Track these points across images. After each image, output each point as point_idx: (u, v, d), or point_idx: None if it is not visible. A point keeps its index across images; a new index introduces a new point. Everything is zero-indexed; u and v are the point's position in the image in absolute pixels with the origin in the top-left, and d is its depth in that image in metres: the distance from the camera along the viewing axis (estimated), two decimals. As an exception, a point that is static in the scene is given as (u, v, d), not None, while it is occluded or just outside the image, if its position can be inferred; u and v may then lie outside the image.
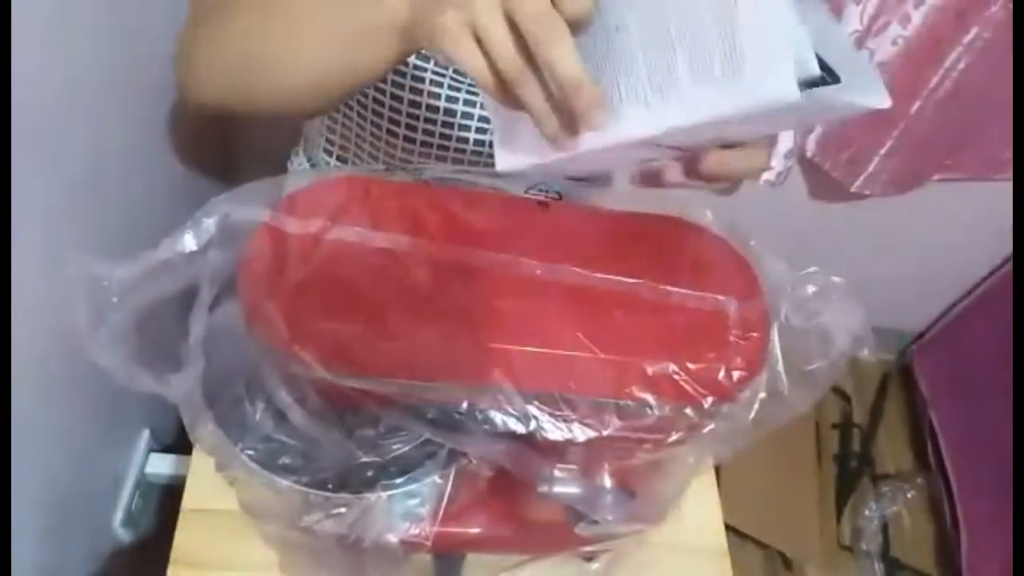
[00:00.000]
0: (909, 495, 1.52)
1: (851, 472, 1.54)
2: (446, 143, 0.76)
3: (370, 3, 0.48)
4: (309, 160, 0.87)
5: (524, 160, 0.44)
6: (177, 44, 0.58)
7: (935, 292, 1.60)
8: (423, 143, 0.76)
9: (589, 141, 0.41)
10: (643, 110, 0.39)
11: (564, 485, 0.49)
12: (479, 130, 0.74)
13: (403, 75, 0.71)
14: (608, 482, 0.51)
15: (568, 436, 0.45)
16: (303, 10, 0.51)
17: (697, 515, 0.74)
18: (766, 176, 1.19)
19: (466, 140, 0.76)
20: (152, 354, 0.46)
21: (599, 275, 0.48)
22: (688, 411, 0.46)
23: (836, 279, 0.50)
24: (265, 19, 0.52)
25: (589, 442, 0.45)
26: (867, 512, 1.48)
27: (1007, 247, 1.43)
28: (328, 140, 0.82)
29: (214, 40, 0.54)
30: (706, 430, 0.48)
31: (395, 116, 0.74)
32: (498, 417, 0.44)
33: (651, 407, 0.45)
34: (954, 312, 1.59)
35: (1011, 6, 0.99)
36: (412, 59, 0.69)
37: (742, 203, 1.35)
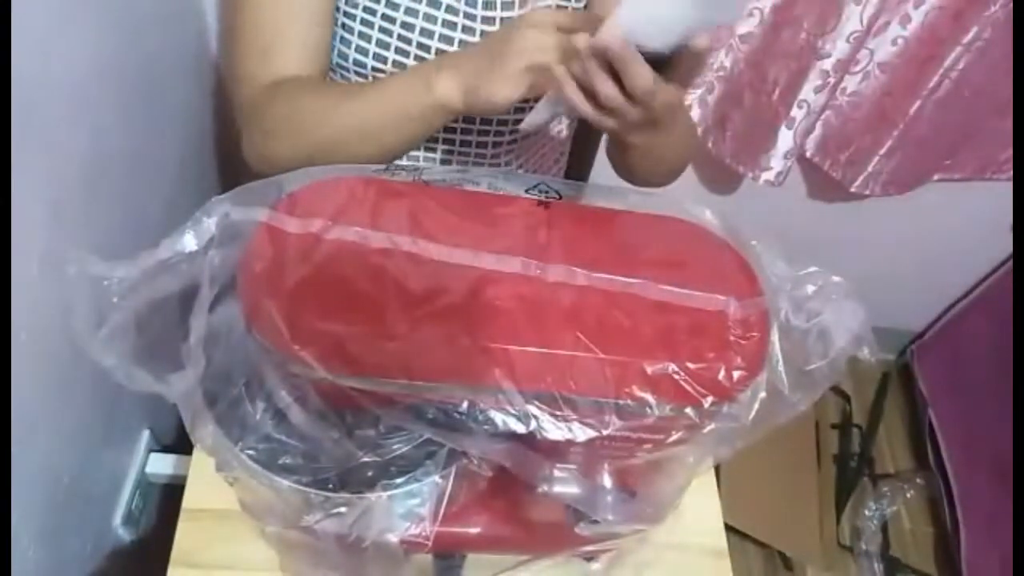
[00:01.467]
0: (909, 495, 1.52)
1: (851, 472, 1.54)
2: (432, 143, 0.76)
3: (424, 94, 0.61)
4: None
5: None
6: (246, 137, 0.69)
7: (935, 292, 1.60)
8: None
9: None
10: None
11: (564, 485, 0.49)
12: (448, 128, 0.75)
13: (363, 77, 0.71)
14: (608, 482, 0.51)
15: (568, 436, 0.45)
16: (371, 101, 0.64)
17: (697, 515, 0.74)
18: (765, 176, 1.19)
19: (436, 138, 0.76)
20: (152, 354, 0.46)
21: (599, 275, 0.48)
22: (688, 411, 0.46)
23: (836, 279, 0.50)
24: (341, 113, 0.64)
25: (589, 442, 0.45)
26: (867, 512, 1.48)
27: (1007, 247, 1.43)
28: None
29: (293, 134, 0.66)
30: (706, 430, 0.48)
31: None
32: (498, 417, 0.44)
33: (651, 407, 0.45)
34: (954, 312, 1.59)
35: (1011, 6, 0.99)
36: (369, 61, 0.70)
37: (742, 203, 1.36)
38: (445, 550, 0.62)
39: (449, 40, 0.69)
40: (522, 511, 0.59)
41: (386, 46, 0.69)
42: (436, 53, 0.69)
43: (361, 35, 0.70)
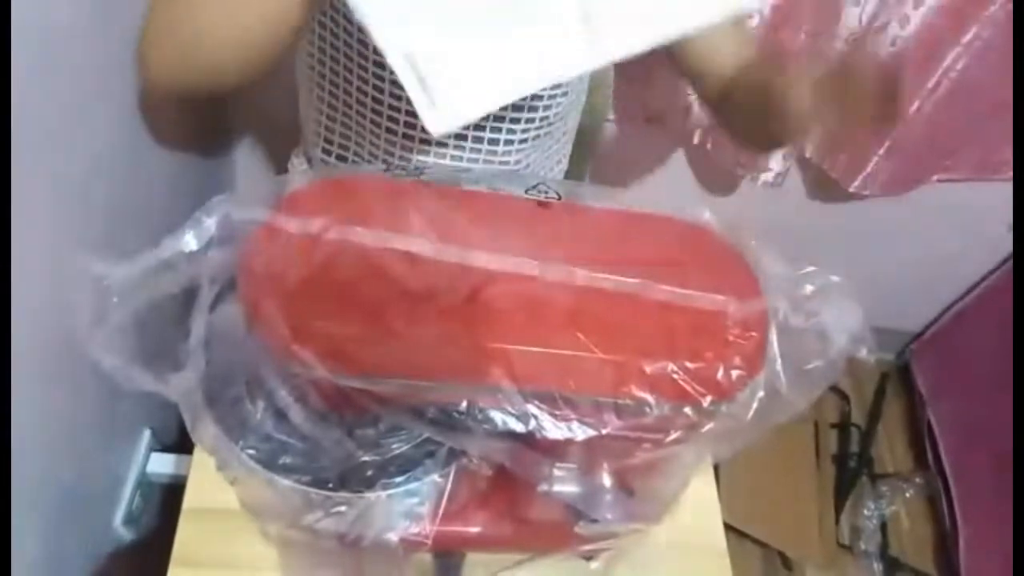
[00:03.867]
0: (908, 494, 1.52)
1: (850, 472, 1.54)
2: (427, 136, 0.76)
3: None
4: (308, 159, 0.87)
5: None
6: (142, 37, 0.62)
7: (934, 292, 1.60)
8: (405, 135, 0.76)
9: None
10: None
11: (564, 484, 0.49)
12: (477, 127, 0.75)
13: (381, 67, 0.71)
14: (607, 481, 0.51)
15: (568, 435, 0.45)
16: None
17: (696, 515, 0.74)
18: (764, 177, 1.19)
19: (464, 136, 0.76)
20: (153, 354, 0.46)
21: (598, 275, 0.49)
22: (687, 410, 0.46)
23: (835, 279, 0.50)
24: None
25: (589, 441, 0.45)
26: (866, 512, 1.48)
27: (1007, 247, 1.43)
28: (327, 140, 0.82)
29: (172, 23, 0.59)
30: (705, 429, 0.48)
31: (394, 115, 0.74)
32: (498, 416, 0.44)
33: (650, 406, 0.45)
34: (953, 312, 1.59)
35: (1010, 6, 0.99)
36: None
37: (741, 203, 1.36)
38: (444, 549, 0.62)
39: None
40: (521, 510, 0.59)
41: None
42: None
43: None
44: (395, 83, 0.71)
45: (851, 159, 1.22)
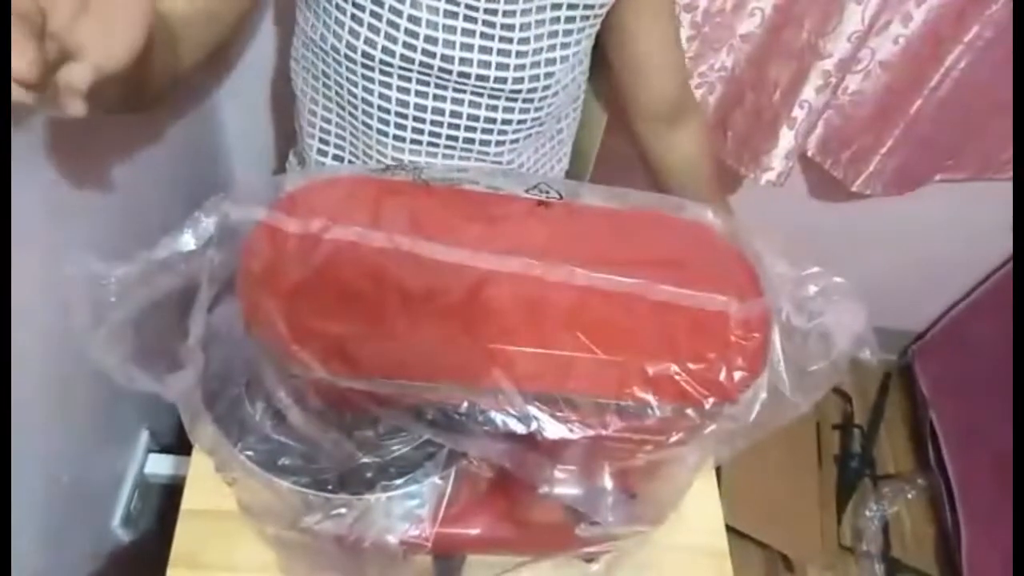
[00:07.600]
0: (910, 495, 1.52)
1: (852, 472, 1.54)
2: (419, 136, 0.76)
3: None
4: (305, 159, 0.87)
5: None
6: None
7: (935, 292, 1.59)
8: (396, 136, 0.76)
9: None
10: None
11: (565, 486, 0.49)
12: (451, 125, 0.75)
13: (370, 69, 0.71)
14: (608, 483, 0.51)
15: (569, 437, 0.45)
16: None
17: (697, 516, 0.73)
18: (767, 176, 1.19)
19: (455, 138, 0.76)
20: (151, 354, 0.45)
21: (599, 275, 0.48)
22: (689, 411, 0.46)
23: (837, 279, 0.50)
24: None
25: (590, 443, 0.45)
26: (868, 512, 1.48)
27: (1007, 247, 1.43)
28: (323, 139, 0.82)
29: None
30: (707, 430, 0.48)
31: (368, 109, 0.74)
32: (498, 418, 0.44)
33: (652, 408, 0.45)
34: (954, 312, 1.59)
35: (1012, 5, 0.98)
36: (378, 53, 0.70)
37: (743, 203, 1.36)
38: (445, 551, 0.62)
39: (451, 29, 0.68)
40: (522, 512, 0.59)
41: (393, 39, 0.69)
42: (442, 43, 0.69)
43: (371, 27, 0.69)
44: (384, 84, 0.72)
45: (854, 158, 1.22)
